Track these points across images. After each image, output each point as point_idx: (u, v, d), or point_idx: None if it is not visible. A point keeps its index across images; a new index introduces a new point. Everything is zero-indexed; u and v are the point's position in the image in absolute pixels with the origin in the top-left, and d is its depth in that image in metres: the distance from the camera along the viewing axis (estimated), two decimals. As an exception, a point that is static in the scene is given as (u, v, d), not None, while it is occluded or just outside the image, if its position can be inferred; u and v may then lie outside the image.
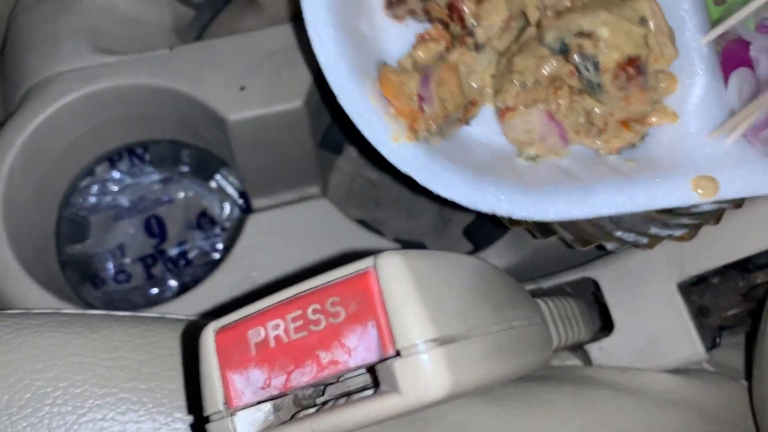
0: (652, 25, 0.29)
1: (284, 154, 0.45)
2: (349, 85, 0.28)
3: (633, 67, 0.29)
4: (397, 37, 0.31)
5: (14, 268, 0.38)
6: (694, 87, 0.32)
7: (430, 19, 0.31)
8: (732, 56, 0.34)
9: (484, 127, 0.32)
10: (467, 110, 0.31)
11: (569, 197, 0.30)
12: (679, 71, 0.32)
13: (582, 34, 0.29)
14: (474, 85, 0.31)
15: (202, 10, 0.47)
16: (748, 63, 0.34)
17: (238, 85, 0.41)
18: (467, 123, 0.32)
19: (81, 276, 0.45)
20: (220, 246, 0.47)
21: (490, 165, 0.31)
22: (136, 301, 0.46)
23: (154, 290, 0.46)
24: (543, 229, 0.33)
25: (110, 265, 0.46)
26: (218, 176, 0.48)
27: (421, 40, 0.31)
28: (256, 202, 0.47)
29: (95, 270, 0.46)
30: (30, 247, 0.41)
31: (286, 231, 0.40)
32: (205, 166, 0.47)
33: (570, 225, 0.32)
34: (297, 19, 0.43)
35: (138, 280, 0.46)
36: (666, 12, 0.32)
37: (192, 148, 0.47)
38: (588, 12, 0.29)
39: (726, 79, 0.33)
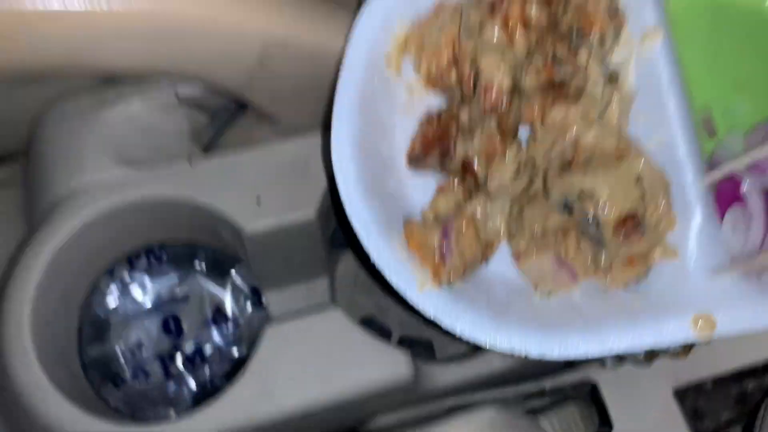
0: (646, 183, 0.32)
1: (296, 254, 0.47)
2: (380, 244, 0.31)
3: (631, 222, 0.32)
4: (420, 189, 0.34)
5: (44, 384, 0.40)
6: (692, 225, 0.35)
7: (448, 173, 0.34)
8: (726, 194, 0.36)
9: (501, 264, 0.34)
10: (485, 252, 0.34)
11: (583, 336, 0.32)
12: (677, 210, 0.35)
13: (583, 194, 0.32)
14: (490, 229, 0.33)
15: (215, 117, 0.49)
16: (741, 199, 0.37)
17: (254, 197, 0.43)
18: (486, 261, 0.34)
19: (102, 376, 0.47)
20: (235, 347, 0.48)
21: (508, 302, 0.33)
22: (155, 398, 0.47)
23: (172, 387, 0.48)
24: None
25: (129, 364, 0.47)
26: (233, 272, 0.50)
27: (441, 190, 0.34)
28: (269, 295, 0.49)
29: (115, 369, 0.47)
30: (55, 355, 0.43)
31: (301, 342, 0.42)
32: (220, 264, 0.49)
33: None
34: (309, 129, 0.45)
35: (156, 378, 0.47)
36: (663, 159, 0.34)
37: (208, 247, 0.49)
38: (588, 172, 0.32)
39: (721, 216, 0.36)
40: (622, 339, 0.33)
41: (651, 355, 0.37)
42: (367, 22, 0.35)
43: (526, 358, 0.45)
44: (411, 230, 0.32)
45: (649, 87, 0.36)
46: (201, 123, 0.49)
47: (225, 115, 0.49)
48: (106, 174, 0.44)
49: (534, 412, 0.39)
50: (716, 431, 0.41)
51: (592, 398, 0.43)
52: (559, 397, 0.43)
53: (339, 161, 0.33)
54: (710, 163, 0.37)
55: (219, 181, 0.44)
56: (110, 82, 0.46)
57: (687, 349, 0.36)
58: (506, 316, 0.33)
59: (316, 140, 0.45)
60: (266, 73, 0.43)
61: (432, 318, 0.32)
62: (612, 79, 0.35)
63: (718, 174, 0.34)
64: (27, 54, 0.39)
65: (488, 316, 0.32)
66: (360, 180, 0.31)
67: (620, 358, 0.36)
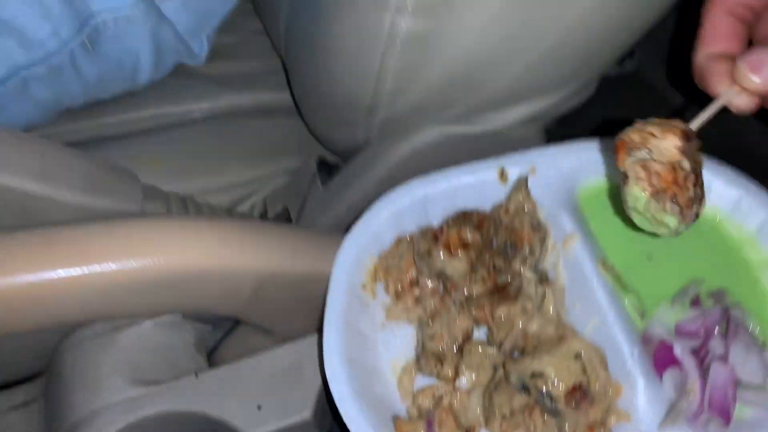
0: (585, 358, 0.39)
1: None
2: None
3: (578, 391, 0.38)
4: (406, 390, 0.41)
5: None
6: (636, 389, 0.41)
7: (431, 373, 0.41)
8: (661, 358, 0.43)
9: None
10: (468, 436, 0.40)
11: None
12: (621, 379, 0.41)
13: (534, 374, 0.38)
14: (471, 416, 0.40)
15: (217, 326, 0.56)
16: (676, 361, 0.43)
17: (255, 405, 0.49)
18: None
19: None
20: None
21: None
22: None
23: None
24: None
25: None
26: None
27: (422, 391, 0.40)
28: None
29: None
30: None
31: None
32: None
33: None
34: (301, 333, 0.52)
35: None
36: (601, 338, 0.42)
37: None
38: (536, 356, 0.39)
39: (660, 377, 0.42)
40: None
41: None
42: (344, 260, 0.44)
43: None
44: (400, 426, 0.38)
45: (578, 281, 0.44)
46: (205, 331, 0.56)
47: (226, 326, 0.56)
48: (122, 395, 0.50)
49: None
50: None
51: None
52: None
53: (332, 373, 0.40)
54: (643, 337, 0.44)
55: (223, 391, 0.50)
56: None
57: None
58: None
59: (310, 344, 0.50)
60: (260, 300, 0.51)
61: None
62: (542, 279, 0.43)
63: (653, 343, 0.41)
64: (47, 316, 0.47)
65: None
66: (351, 388, 0.38)
67: None
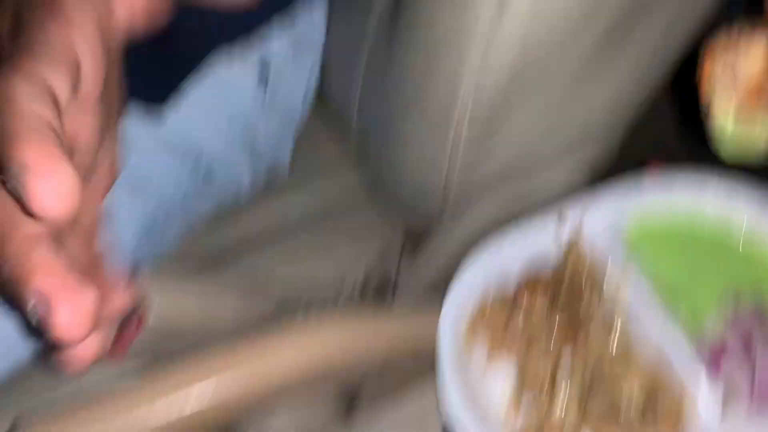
0: (650, 376, 0.49)
1: None
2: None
3: (649, 406, 0.49)
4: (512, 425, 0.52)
5: None
6: (699, 394, 0.51)
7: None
8: (716, 361, 0.53)
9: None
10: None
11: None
12: (684, 388, 0.51)
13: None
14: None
15: None
16: (728, 362, 0.53)
17: None
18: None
19: None
20: None
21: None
22: None
23: None
24: None
25: None
26: None
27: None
28: None
29: None
30: None
31: None
32: None
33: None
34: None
35: None
36: (663, 358, 0.52)
37: None
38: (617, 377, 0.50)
39: (717, 378, 0.52)
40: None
41: None
42: (445, 328, 0.56)
43: None
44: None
45: (636, 311, 0.54)
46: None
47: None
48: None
49: None
50: None
51: None
52: None
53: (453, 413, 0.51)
54: (698, 347, 0.54)
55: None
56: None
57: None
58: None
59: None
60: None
61: None
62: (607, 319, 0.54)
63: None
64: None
65: None
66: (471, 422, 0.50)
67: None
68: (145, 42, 0.59)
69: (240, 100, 0.73)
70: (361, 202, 0.77)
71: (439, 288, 0.58)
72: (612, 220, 0.59)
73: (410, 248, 0.73)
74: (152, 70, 0.59)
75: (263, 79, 0.73)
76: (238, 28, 0.68)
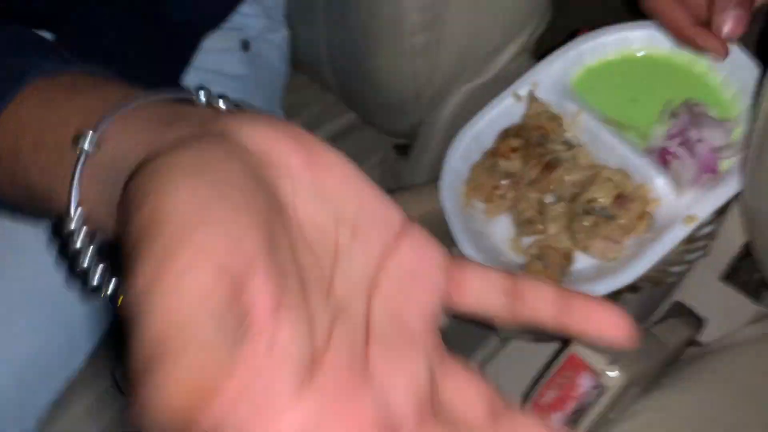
0: (614, 178, 0.61)
1: None
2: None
3: (619, 198, 0.60)
4: (519, 249, 0.64)
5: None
6: (656, 183, 0.63)
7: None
8: (663, 157, 0.65)
9: (582, 262, 0.63)
10: (567, 258, 0.62)
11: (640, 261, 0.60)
12: (644, 181, 0.63)
13: (589, 201, 0.61)
14: (563, 247, 0.63)
15: None
16: (673, 155, 0.65)
17: None
18: (570, 262, 0.63)
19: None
20: None
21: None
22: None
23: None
24: None
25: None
26: None
27: (529, 246, 0.64)
28: None
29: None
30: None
31: None
32: None
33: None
34: None
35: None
36: (623, 164, 0.64)
37: None
38: (586, 191, 0.61)
39: (668, 168, 0.64)
40: (656, 251, 0.60)
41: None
42: (446, 195, 0.68)
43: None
44: (529, 267, 0.62)
45: (593, 136, 0.66)
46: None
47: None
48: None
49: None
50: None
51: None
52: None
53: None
54: (649, 150, 0.66)
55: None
56: None
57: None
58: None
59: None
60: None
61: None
62: (569, 146, 0.65)
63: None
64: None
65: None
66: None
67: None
68: (143, 41, 0.70)
69: (228, 81, 0.84)
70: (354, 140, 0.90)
71: (434, 177, 0.70)
72: (557, 79, 0.71)
73: (403, 153, 0.86)
74: (151, 62, 0.71)
75: (246, 58, 0.84)
76: (222, 7, 0.78)
